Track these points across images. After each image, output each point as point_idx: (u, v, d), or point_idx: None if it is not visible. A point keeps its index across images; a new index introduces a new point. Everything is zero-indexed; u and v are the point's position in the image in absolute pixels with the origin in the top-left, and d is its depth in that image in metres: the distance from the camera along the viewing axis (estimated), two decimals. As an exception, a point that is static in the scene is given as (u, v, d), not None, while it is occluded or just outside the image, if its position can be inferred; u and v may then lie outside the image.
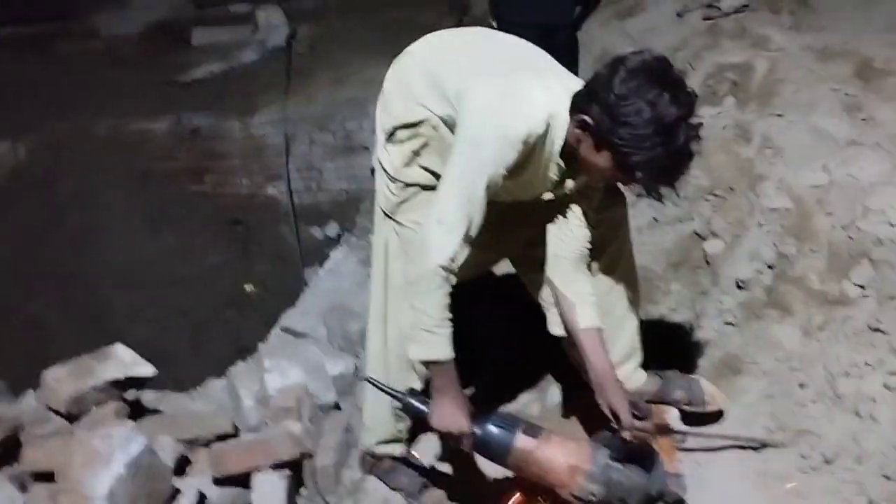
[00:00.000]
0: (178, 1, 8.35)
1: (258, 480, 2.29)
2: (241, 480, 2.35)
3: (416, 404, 2.01)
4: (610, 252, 2.19)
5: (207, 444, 2.45)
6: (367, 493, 2.41)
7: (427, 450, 2.47)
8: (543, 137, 1.83)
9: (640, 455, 1.98)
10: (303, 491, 2.44)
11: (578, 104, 1.77)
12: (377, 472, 2.42)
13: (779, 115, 3.21)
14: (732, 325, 2.58)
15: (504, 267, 2.64)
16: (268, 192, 6.63)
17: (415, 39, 2.86)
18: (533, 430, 1.97)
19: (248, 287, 6.33)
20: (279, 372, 2.60)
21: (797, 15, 4.72)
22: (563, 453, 1.95)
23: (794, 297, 2.52)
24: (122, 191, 6.57)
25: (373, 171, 2.21)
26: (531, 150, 1.83)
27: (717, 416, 2.33)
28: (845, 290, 2.43)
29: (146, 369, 2.47)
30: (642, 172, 1.71)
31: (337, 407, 2.69)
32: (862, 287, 2.40)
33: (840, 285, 2.45)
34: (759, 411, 2.31)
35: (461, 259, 1.85)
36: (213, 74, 6.95)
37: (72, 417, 2.38)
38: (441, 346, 1.89)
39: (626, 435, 1.97)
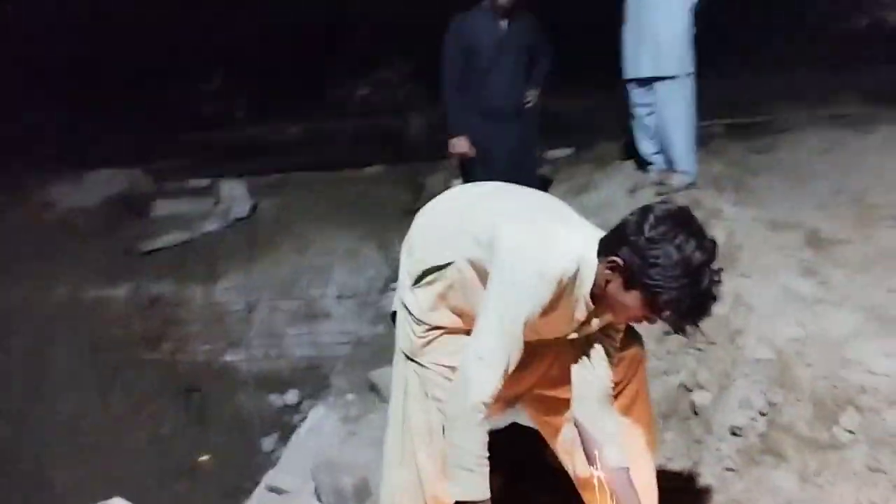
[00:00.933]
0: (137, 175, 8.55)
1: None
2: None
3: None
4: (628, 391, 2.28)
5: None
6: None
7: None
8: (574, 278, 1.96)
9: None
10: None
11: (609, 247, 1.91)
12: None
13: (746, 277, 3.43)
14: (732, 471, 2.66)
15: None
16: (226, 359, 6.58)
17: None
18: None
19: (203, 458, 6.12)
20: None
21: (740, 192, 5.14)
22: None
23: (787, 444, 2.63)
24: (74, 357, 6.44)
25: (393, 315, 2.28)
26: (562, 291, 1.95)
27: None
28: (836, 436, 2.55)
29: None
30: (670, 311, 1.83)
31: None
32: (852, 433, 2.52)
33: (830, 432, 2.57)
34: (767, 557, 2.35)
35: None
36: (175, 244, 7.03)
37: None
38: (480, 486, 1.91)
39: None
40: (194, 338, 6.60)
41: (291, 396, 6.42)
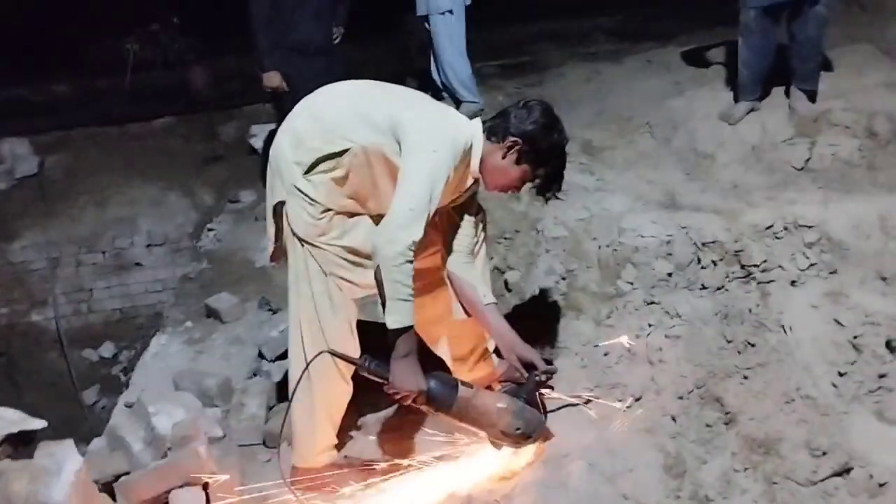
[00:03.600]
0: None
1: (177, 496, 2.46)
2: (148, 510, 2.51)
3: (379, 368, 2.38)
4: (478, 247, 2.76)
5: (106, 485, 2.57)
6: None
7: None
8: (468, 150, 2.43)
9: (534, 400, 2.55)
10: (207, 512, 2.62)
11: (502, 130, 2.43)
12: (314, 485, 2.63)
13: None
14: (543, 325, 3.24)
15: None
16: (32, 319, 6.40)
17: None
18: (466, 384, 2.46)
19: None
20: (165, 413, 2.77)
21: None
22: (492, 399, 2.46)
23: (583, 299, 3.26)
24: None
25: (277, 206, 2.52)
26: (461, 159, 2.39)
27: (547, 387, 2.92)
28: (620, 287, 3.20)
29: (37, 423, 2.55)
30: (545, 180, 2.48)
31: (218, 444, 2.91)
32: (631, 283, 3.18)
33: (615, 285, 3.22)
34: (578, 379, 2.95)
35: None
36: (-44, 206, 6.64)
37: (-34, 476, 2.38)
38: (412, 313, 2.30)
39: (542, 377, 2.52)
40: (-8, 301, 6.36)
41: (107, 349, 6.39)
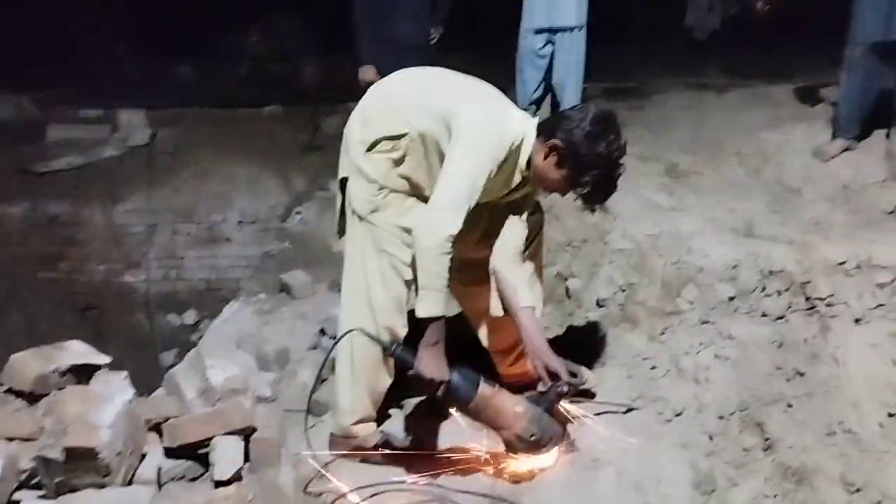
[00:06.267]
0: (23, 102, 8.41)
1: (219, 442, 2.58)
2: (192, 454, 2.63)
3: (405, 354, 2.46)
4: (532, 247, 2.80)
5: (156, 425, 2.71)
6: (306, 463, 2.75)
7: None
8: (518, 147, 2.46)
9: (555, 410, 2.56)
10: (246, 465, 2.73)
11: (550, 130, 2.41)
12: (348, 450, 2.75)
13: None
14: (596, 333, 3.24)
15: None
16: (124, 280, 6.75)
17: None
18: (489, 381, 2.49)
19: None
20: (220, 368, 2.91)
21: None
22: (511, 402, 2.48)
23: (640, 313, 3.24)
24: (-34, 275, 6.46)
25: (342, 182, 2.66)
26: (509, 155, 2.43)
27: (589, 395, 2.93)
28: (679, 305, 3.17)
29: (102, 358, 2.72)
30: (588, 188, 2.39)
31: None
32: (691, 302, 3.15)
33: (674, 303, 3.20)
34: (622, 388, 2.95)
35: None
36: (73, 166, 7.05)
37: (33, 398, 2.57)
38: (443, 304, 2.37)
39: (564, 388, 2.52)
40: (92, 258, 6.73)
41: (190, 316, 6.68)
